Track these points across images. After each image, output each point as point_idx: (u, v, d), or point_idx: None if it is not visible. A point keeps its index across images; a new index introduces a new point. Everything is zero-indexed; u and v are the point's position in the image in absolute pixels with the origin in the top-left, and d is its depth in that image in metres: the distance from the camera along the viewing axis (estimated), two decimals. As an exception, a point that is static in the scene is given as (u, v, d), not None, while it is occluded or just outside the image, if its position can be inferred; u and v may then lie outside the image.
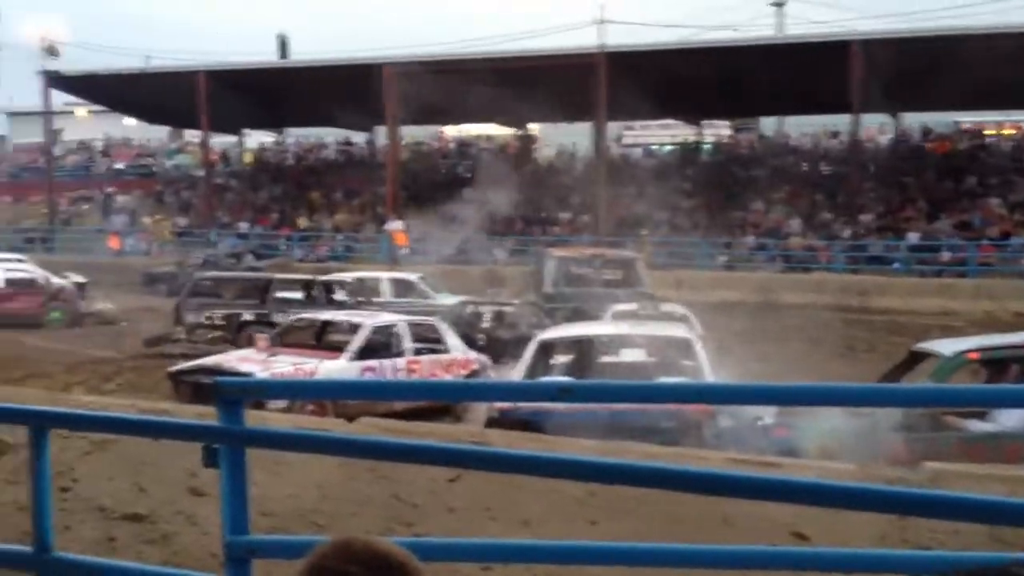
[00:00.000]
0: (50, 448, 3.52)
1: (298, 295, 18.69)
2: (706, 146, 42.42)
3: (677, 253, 31.35)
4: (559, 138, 44.54)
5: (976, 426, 7.73)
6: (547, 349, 10.63)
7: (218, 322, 17.03)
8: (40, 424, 3.58)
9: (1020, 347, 8.33)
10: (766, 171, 36.76)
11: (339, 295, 18.21)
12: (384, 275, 21.53)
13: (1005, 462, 6.57)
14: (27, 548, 3.47)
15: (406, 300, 19.67)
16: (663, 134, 46.80)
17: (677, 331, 10.78)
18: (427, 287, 20.74)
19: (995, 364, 8.39)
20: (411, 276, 21.59)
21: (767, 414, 8.00)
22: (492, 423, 8.13)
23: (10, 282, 21.06)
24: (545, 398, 7.08)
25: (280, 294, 18.82)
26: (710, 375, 9.22)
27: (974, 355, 8.15)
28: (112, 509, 5.14)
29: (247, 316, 17.09)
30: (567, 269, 19.45)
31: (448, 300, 19.57)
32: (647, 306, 13.85)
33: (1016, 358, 8.26)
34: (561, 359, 10.90)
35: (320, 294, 18.06)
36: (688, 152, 41.51)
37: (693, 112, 40.52)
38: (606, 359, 10.96)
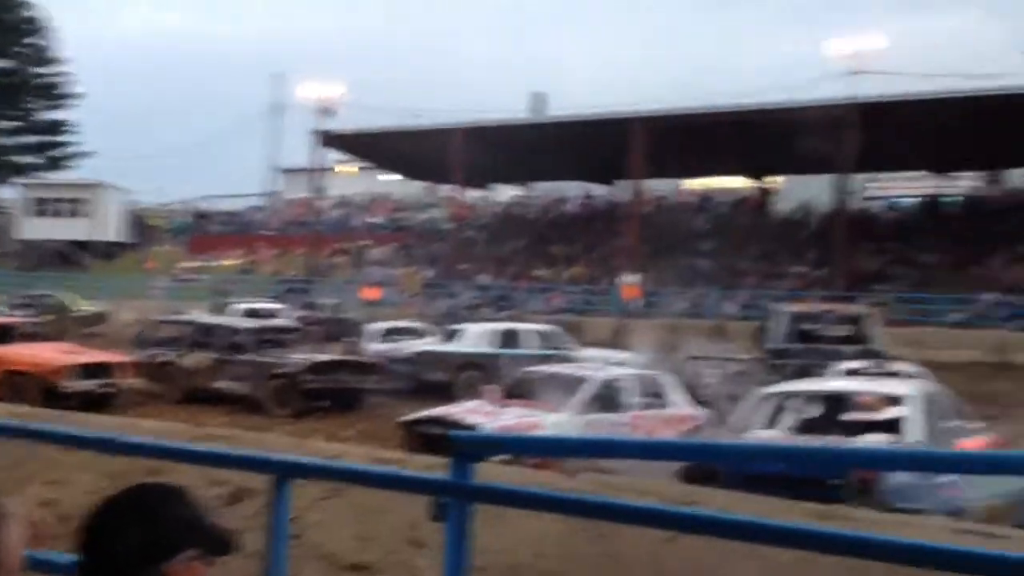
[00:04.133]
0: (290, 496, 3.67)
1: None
2: (952, 198, 40.45)
3: (915, 310, 30.11)
4: (801, 191, 43.47)
5: None
6: (764, 403, 10.57)
7: (152, 362, 18.66)
8: (281, 473, 3.73)
9: None
10: (1013, 225, 34.78)
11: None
12: (529, 326, 21.79)
13: None
14: (259, 596, 3.67)
15: (547, 352, 19.68)
16: (908, 186, 44.88)
17: (897, 388, 10.37)
18: (567, 339, 21.00)
19: None
20: (552, 328, 21.86)
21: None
22: (683, 471, 8.21)
23: None
24: (776, 461, 6.98)
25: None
26: (921, 435, 8.90)
27: None
28: (338, 557, 5.34)
29: (164, 358, 18.67)
30: (796, 324, 18.96)
31: (593, 352, 19.58)
32: (877, 364, 13.31)
33: None
34: (776, 414, 10.74)
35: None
36: (932, 205, 39.77)
37: (941, 163, 38.89)
38: (821, 415, 10.82)
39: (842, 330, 19.21)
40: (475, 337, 20.42)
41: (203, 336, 19.30)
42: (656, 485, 7.08)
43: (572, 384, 13.28)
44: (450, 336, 20.70)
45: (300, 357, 18.14)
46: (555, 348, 20.13)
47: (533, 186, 51.54)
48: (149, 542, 1.68)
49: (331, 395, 17.53)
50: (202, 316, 22.91)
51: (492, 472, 6.29)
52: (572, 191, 49.15)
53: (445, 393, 17.11)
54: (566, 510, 4.32)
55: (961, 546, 4.20)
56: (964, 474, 7.00)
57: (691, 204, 45.56)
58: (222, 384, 18.08)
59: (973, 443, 9.77)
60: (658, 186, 45.75)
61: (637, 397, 13.14)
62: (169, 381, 18.40)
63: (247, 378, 17.80)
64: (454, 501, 3.36)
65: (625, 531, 5.31)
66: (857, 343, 18.16)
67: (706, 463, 7.75)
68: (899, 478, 7.90)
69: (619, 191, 44.28)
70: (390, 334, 22.75)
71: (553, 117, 41.06)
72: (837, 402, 10.80)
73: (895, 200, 43.56)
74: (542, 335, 20.96)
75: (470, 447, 3.64)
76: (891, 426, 9.71)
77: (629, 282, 32.46)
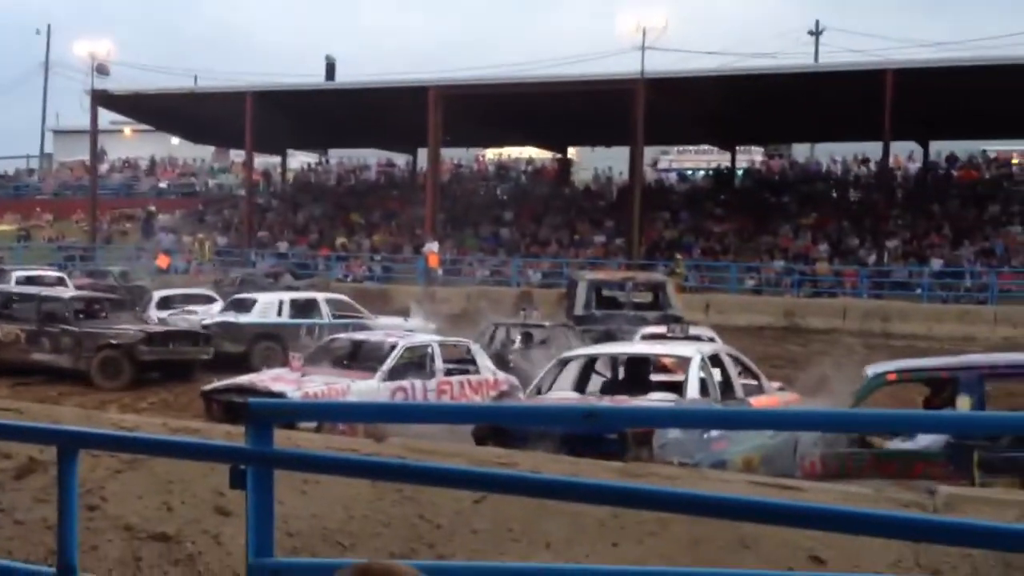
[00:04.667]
0: (79, 467, 3.57)
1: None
2: (739, 171, 42.49)
3: (708, 276, 31.77)
4: (596, 162, 44.68)
5: (893, 443, 7.97)
6: (563, 367, 11.08)
7: None
8: (69, 444, 3.61)
9: (933, 370, 8.71)
10: (796, 196, 37.04)
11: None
12: (320, 295, 21.55)
13: (911, 478, 7.03)
14: (51, 569, 3.51)
15: (345, 319, 19.62)
16: (698, 159, 47.00)
17: (682, 351, 10.95)
18: (358, 308, 20.87)
19: (933, 384, 8.68)
20: (343, 297, 21.92)
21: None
22: (476, 432, 8.46)
23: None
24: (571, 423, 7.34)
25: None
26: (699, 394, 9.61)
27: (892, 376, 8.45)
28: (139, 528, 5.18)
29: None
30: (598, 292, 19.51)
31: (386, 321, 19.77)
32: (675, 329, 13.95)
33: (932, 379, 8.58)
34: (574, 377, 11.18)
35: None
36: (721, 177, 41.70)
37: (728, 138, 40.72)
38: (613, 377, 11.51)
39: (643, 297, 19.84)
40: (266, 307, 19.84)
41: (5, 306, 18.02)
42: (464, 448, 7.17)
43: (379, 351, 13.26)
44: (236, 306, 20.08)
45: (133, 328, 17.34)
46: (347, 317, 19.98)
47: (330, 153, 50.68)
48: None
49: (166, 367, 16.92)
50: (6, 285, 21.39)
51: (298, 439, 6.21)
52: (372, 159, 48.72)
53: (240, 365, 16.72)
54: (368, 474, 4.30)
55: (762, 497, 4.44)
56: (724, 430, 7.49)
57: (489, 173, 46.02)
58: (40, 356, 17.04)
59: (767, 400, 10.42)
60: (457, 155, 45.97)
61: (444, 363, 13.22)
62: None
63: (69, 350, 16.84)
64: (254, 468, 3.32)
65: (434, 494, 5.35)
66: (657, 309, 18.80)
67: (493, 424, 8.05)
68: (673, 433, 8.35)
69: (419, 160, 44.21)
70: (166, 303, 21.74)
71: (349, 83, 40.27)
72: (630, 365, 11.40)
73: (687, 172, 45.41)
74: (333, 304, 20.71)
75: (268, 414, 3.61)
76: (675, 386, 10.29)
77: (433, 250, 32.56)
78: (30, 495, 5.37)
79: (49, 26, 58.56)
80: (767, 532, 4.38)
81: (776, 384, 11.95)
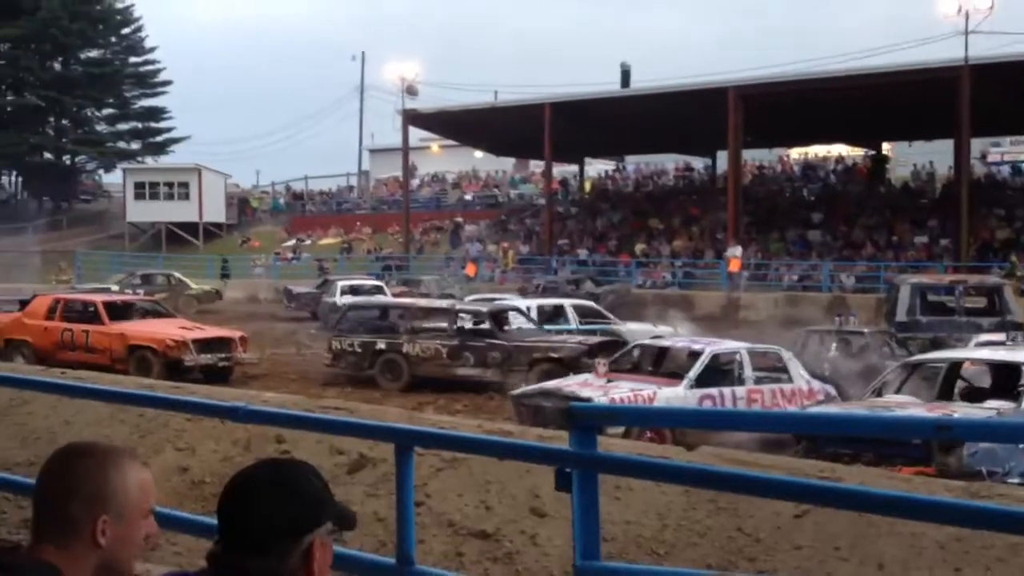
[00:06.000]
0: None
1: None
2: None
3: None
4: (914, 157, 42.04)
5: None
6: (906, 372, 10.72)
7: (357, 349, 17.79)
8: (405, 442, 3.74)
9: None
10: None
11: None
12: (567, 301, 21.43)
13: None
14: (390, 559, 3.65)
15: (591, 325, 19.54)
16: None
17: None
18: (606, 314, 20.90)
19: None
20: (591, 303, 21.86)
21: None
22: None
23: None
24: (919, 435, 6.92)
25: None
26: None
27: None
28: (460, 525, 5.31)
29: (380, 345, 17.66)
30: (923, 296, 18.25)
31: (635, 327, 19.34)
32: (1016, 337, 12.74)
33: None
34: (914, 382, 10.65)
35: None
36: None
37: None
38: (953, 383, 10.79)
39: (976, 302, 18.52)
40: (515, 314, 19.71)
41: (420, 319, 18.33)
42: (781, 460, 6.85)
43: (683, 357, 13.06)
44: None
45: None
46: (594, 322, 20.04)
47: (626, 159, 51.01)
48: (296, 514, 1.72)
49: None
50: (421, 300, 22.22)
51: (611, 445, 6.16)
52: (669, 164, 48.56)
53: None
54: (695, 481, 4.16)
55: None
56: None
57: (795, 173, 44.53)
58: (464, 371, 17.10)
59: None
60: (759, 156, 44.85)
61: (753, 371, 12.81)
62: (391, 369, 17.50)
63: (497, 364, 16.79)
64: (578, 471, 3.30)
65: (751, 506, 5.12)
66: (993, 315, 17.47)
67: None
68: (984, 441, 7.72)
69: (718, 163, 43.53)
70: None
71: (645, 89, 40.28)
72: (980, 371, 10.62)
73: (1022, 165, 41.51)
74: (582, 310, 20.78)
75: (591, 417, 3.58)
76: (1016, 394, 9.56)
77: (736, 255, 31.86)
78: (362, 489, 5.65)
79: (364, 53, 63.01)
80: None
81: None
